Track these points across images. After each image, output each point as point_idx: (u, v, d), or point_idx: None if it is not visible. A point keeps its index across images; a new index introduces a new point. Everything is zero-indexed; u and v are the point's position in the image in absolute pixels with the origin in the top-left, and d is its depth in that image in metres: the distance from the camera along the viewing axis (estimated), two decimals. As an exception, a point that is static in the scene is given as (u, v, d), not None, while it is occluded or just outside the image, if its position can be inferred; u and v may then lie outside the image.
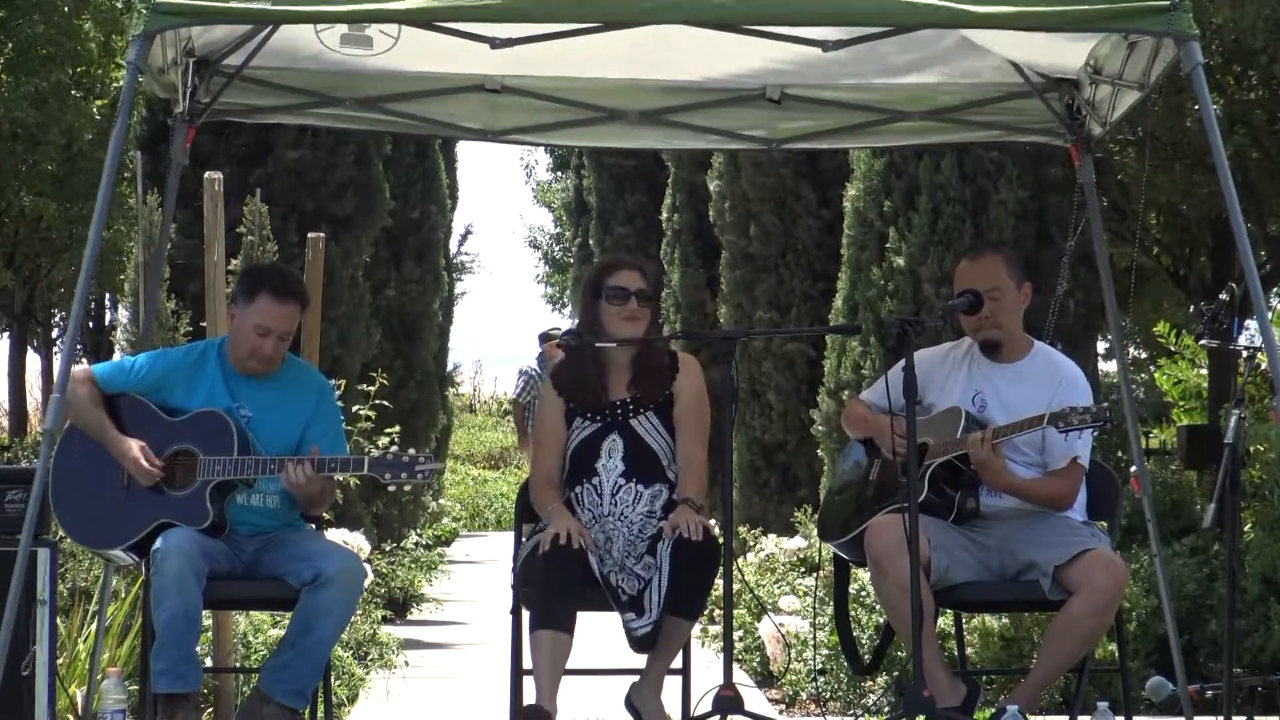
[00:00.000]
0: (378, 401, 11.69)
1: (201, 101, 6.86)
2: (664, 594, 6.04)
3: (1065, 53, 6.68)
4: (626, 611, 6.07)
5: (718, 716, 5.81)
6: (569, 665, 6.04)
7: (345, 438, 6.67)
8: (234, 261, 9.02)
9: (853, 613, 8.30)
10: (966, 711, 6.07)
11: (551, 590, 6.05)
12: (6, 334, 23.71)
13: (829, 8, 5.70)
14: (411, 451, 6.30)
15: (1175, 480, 10.04)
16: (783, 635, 9.45)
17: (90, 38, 17.58)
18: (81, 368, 6.65)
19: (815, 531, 7.21)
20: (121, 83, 5.80)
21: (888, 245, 12.02)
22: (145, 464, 6.26)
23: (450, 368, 20.92)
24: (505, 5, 5.62)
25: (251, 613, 8.60)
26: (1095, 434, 6.34)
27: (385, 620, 11.37)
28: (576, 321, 6.56)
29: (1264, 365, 5.99)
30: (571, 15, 5.96)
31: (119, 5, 18.07)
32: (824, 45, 6.27)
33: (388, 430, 12.08)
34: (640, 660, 6.25)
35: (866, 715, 8.20)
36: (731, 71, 7.15)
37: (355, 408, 11.39)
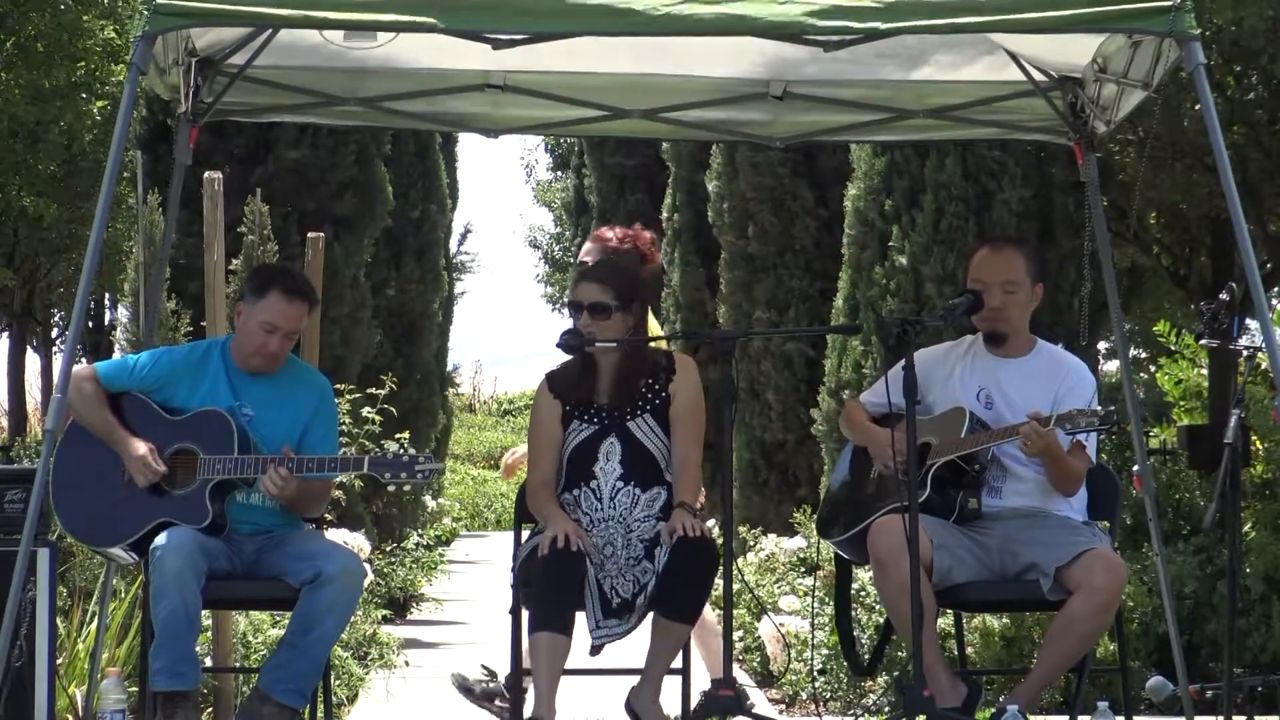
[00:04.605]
0: (384, 406, 11.70)
1: (204, 101, 6.86)
2: (649, 600, 6.06)
3: (1070, 50, 6.67)
4: (607, 617, 6.06)
5: (717, 717, 5.81)
6: (569, 665, 6.05)
7: (339, 439, 6.67)
8: (234, 261, 9.02)
9: (853, 612, 8.28)
10: (967, 711, 6.07)
11: (550, 593, 6.04)
12: (6, 334, 23.68)
13: (831, 21, 5.67)
14: (412, 451, 6.30)
15: (1177, 480, 10.02)
16: (783, 635, 9.44)
17: (93, 36, 17.53)
18: (84, 366, 6.65)
19: (815, 530, 7.19)
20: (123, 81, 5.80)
21: (890, 244, 12.02)
22: (152, 464, 6.26)
23: (450, 367, 20.91)
24: (505, 19, 5.62)
25: (251, 612, 8.60)
26: (1100, 435, 6.35)
27: (385, 620, 11.37)
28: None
29: (1264, 365, 5.98)
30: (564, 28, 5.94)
31: (121, 4, 18.05)
32: (825, 45, 6.26)
33: (399, 436, 12.08)
34: (640, 660, 6.25)
35: (866, 715, 8.19)
36: (735, 69, 7.14)
37: (364, 410, 11.39)
